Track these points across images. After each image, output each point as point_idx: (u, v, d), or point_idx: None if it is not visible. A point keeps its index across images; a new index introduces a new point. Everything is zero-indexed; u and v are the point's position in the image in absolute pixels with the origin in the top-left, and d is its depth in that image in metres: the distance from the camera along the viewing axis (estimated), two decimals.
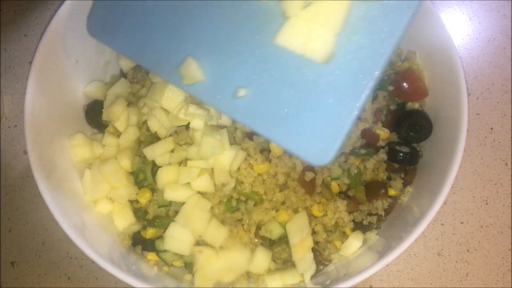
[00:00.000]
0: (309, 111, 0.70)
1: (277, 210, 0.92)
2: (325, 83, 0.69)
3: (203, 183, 0.90)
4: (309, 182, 0.90)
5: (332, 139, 0.69)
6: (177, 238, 0.90)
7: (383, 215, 0.94)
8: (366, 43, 0.67)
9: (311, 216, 0.92)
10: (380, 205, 0.93)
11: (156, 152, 0.93)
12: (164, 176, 0.92)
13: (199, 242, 0.92)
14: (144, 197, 0.95)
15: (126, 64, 1.06)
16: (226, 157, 0.90)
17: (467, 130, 0.84)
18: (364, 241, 0.94)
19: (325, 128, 0.69)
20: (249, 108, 0.74)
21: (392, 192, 0.94)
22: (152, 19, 0.82)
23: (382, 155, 0.95)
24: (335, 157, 0.70)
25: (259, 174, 0.91)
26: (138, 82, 1.03)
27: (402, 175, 0.97)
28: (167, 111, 0.93)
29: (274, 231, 0.91)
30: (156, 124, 0.94)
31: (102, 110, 1.01)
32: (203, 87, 0.78)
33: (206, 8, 0.77)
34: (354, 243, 0.92)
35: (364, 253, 0.92)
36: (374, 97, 0.97)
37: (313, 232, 0.92)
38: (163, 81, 0.91)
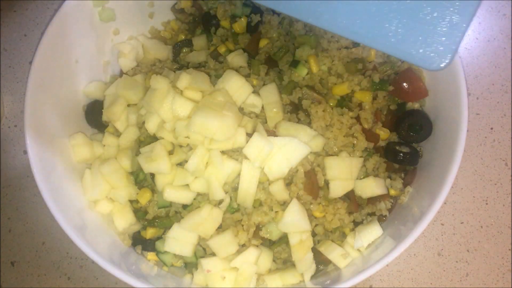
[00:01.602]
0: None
1: (276, 212, 0.91)
2: None
3: (201, 185, 0.90)
4: (313, 185, 0.89)
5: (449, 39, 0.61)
6: (180, 240, 0.89)
7: (387, 215, 0.94)
8: None
9: (312, 217, 0.92)
10: (383, 206, 0.93)
11: None
12: (163, 177, 0.92)
13: (202, 245, 0.93)
14: (144, 197, 0.95)
15: (126, 64, 1.06)
16: (222, 173, 0.88)
17: (467, 130, 0.84)
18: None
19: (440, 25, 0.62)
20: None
21: (392, 192, 0.94)
22: None
23: (382, 155, 0.94)
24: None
25: (260, 182, 0.90)
26: None
27: (402, 175, 0.97)
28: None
29: (275, 232, 0.90)
30: (154, 126, 0.94)
31: (102, 110, 1.01)
32: None
33: None
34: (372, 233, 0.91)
35: (364, 253, 0.91)
36: (374, 97, 0.97)
37: (313, 233, 0.92)
38: (164, 89, 0.90)
